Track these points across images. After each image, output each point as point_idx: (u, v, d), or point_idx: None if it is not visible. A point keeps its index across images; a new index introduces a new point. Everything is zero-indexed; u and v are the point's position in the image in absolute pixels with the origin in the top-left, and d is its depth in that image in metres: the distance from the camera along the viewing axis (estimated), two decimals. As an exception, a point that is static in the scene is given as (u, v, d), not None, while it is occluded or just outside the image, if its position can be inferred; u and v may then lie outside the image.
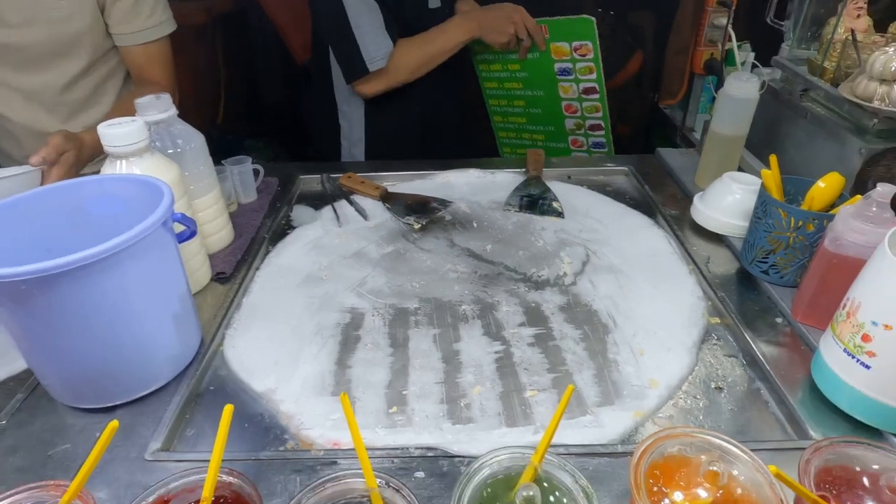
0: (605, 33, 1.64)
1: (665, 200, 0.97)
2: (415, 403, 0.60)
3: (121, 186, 0.63)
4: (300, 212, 0.97)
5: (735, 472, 0.45)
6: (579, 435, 0.56)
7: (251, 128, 2.37)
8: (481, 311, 0.73)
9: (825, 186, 0.69)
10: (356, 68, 1.12)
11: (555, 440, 0.53)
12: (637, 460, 0.45)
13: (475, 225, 0.92)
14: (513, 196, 0.98)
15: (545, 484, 0.44)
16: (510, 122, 1.42)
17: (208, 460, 0.42)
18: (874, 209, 0.58)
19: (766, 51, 1.06)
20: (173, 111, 0.74)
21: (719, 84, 1.03)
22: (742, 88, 0.89)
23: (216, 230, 0.82)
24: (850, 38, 0.85)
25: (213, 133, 1.20)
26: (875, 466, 0.43)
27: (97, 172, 0.67)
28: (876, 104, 0.75)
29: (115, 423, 0.44)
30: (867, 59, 0.77)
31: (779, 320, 0.69)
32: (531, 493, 0.41)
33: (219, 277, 0.79)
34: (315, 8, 1.20)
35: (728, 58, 1.15)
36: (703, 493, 0.43)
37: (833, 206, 0.70)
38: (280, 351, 0.67)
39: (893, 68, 0.72)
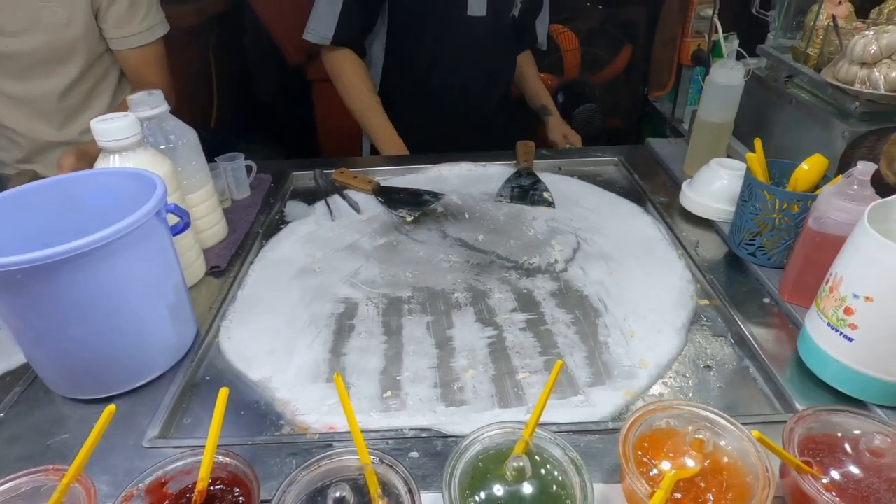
0: (595, 28, 1.66)
1: (654, 189, 0.98)
2: (409, 388, 0.61)
3: (114, 180, 0.63)
4: (293, 207, 0.98)
5: (722, 443, 0.46)
6: (570, 414, 0.57)
7: (245, 129, 2.38)
8: (474, 299, 0.74)
9: (809, 168, 0.71)
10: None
11: (547, 419, 0.55)
12: (626, 432, 0.46)
13: (467, 216, 0.93)
14: (504, 187, 0.99)
15: (536, 457, 0.45)
16: None
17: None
18: (855, 187, 0.60)
19: (753, 41, 1.08)
20: (165, 107, 0.75)
21: (706, 74, 1.05)
22: (727, 76, 0.90)
23: (210, 225, 0.83)
24: (832, 24, 0.86)
25: (208, 135, 1.20)
26: (856, 432, 0.45)
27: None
28: (857, 87, 0.76)
29: (112, 407, 0.45)
30: (848, 44, 0.78)
31: (766, 300, 0.71)
32: (521, 464, 0.42)
33: (213, 272, 0.79)
34: None
35: (715, 49, 1.17)
36: (690, 462, 0.44)
37: (817, 187, 0.71)
38: (275, 341, 0.68)
39: (873, 51, 0.73)
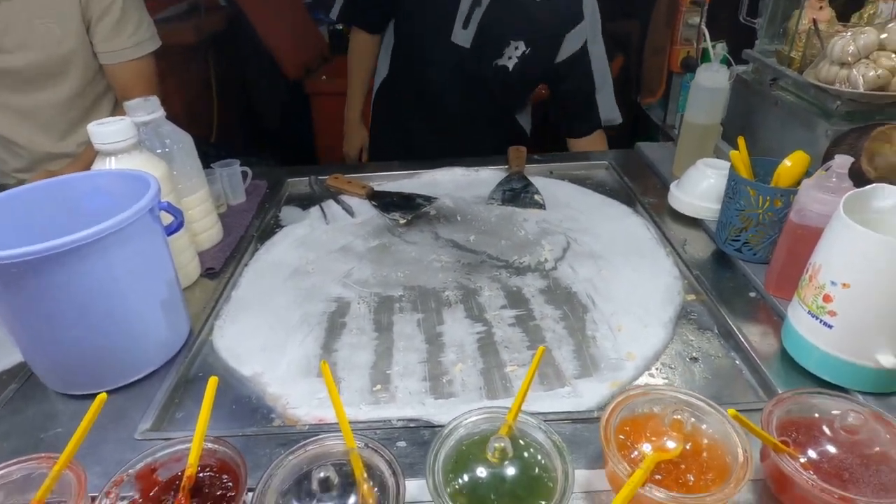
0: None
1: (644, 190, 0.99)
2: (398, 381, 0.62)
3: (110, 181, 0.65)
4: (288, 212, 0.99)
5: (703, 426, 0.47)
6: (557, 404, 0.58)
7: (245, 144, 2.41)
8: (464, 297, 0.75)
9: (791, 164, 0.72)
10: None
11: (533, 409, 0.55)
12: (607, 416, 0.47)
13: (459, 218, 0.95)
14: (496, 190, 1.01)
15: (520, 441, 0.46)
16: None
17: (195, 432, 0.44)
18: (834, 180, 0.61)
19: (742, 48, 1.10)
20: (161, 112, 0.77)
21: (694, 79, 1.06)
22: (712, 78, 0.92)
23: (205, 228, 0.84)
24: (813, 27, 0.88)
25: (209, 151, 1.22)
26: (833, 412, 0.45)
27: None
28: (838, 87, 0.78)
29: (103, 396, 0.46)
30: (828, 45, 0.80)
31: (752, 295, 0.72)
32: (503, 445, 0.43)
33: (208, 273, 0.81)
34: None
35: (704, 56, 1.19)
36: (671, 444, 0.45)
37: (799, 183, 0.72)
38: (267, 338, 0.69)
39: (851, 51, 0.75)
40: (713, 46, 1.09)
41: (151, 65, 1.13)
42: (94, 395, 0.60)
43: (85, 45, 1.05)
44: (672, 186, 0.91)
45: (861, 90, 0.75)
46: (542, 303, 0.73)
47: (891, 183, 0.56)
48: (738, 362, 0.63)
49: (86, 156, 1.09)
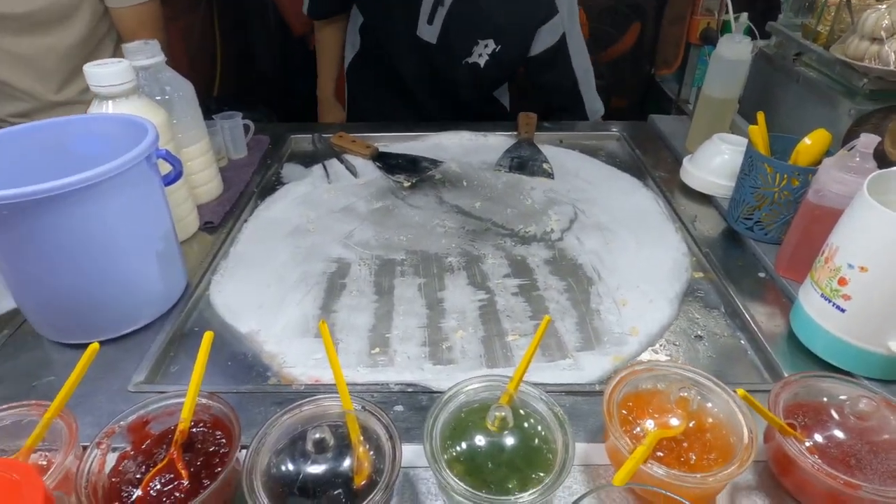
0: (605, 5, 1.63)
1: (655, 164, 0.97)
2: (397, 345, 0.61)
3: (106, 126, 0.63)
4: (290, 169, 0.97)
5: (708, 405, 0.46)
6: (558, 376, 0.57)
7: (248, 99, 2.36)
8: (467, 263, 0.74)
9: (811, 143, 0.69)
10: None
11: (534, 380, 0.54)
12: (610, 391, 0.46)
13: (465, 184, 0.92)
14: (503, 157, 0.98)
15: (521, 411, 0.45)
16: None
17: (188, 385, 0.43)
18: (857, 159, 0.59)
19: (764, 20, 1.06)
20: (161, 57, 0.74)
21: (714, 50, 1.03)
22: (734, 50, 0.88)
23: (205, 181, 0.82)
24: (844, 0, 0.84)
25: (210, 104, 1.19)
26: (842, 397, 0.44)
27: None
28: (866, 63, 0.75)
29: (95, 345, 0.45)
30: (859, 19, 0.76)
31: (762, 275, 0.70)
32: (503, 414, 0.42)
33: (207, 227, 0.79)
34: None
35: (725, 27, 1.15)
36: (674, 421, 0.44)
37: (819, 162, 0.70)
38: (265, 296, 0.68)
39: (885, 25, 0.72)
40: (735, 18, 1.05)
41: (159, 10, 1.09)
42: (87, 345, 0.60)
43: None
44: (685, 161, 0.89)
45: (892, 67, 0.72)
46: (546, 273, 0.72)
47: (917, 165, 0.54)
48: (743, 342, 0.62)
49: None
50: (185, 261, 0.69)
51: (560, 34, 1.08)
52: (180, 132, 0.76)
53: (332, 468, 0.40)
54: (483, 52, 1.06)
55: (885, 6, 0.73)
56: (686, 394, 0.44)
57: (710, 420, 0.45)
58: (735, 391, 0.42)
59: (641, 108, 1.70)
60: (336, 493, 0.39)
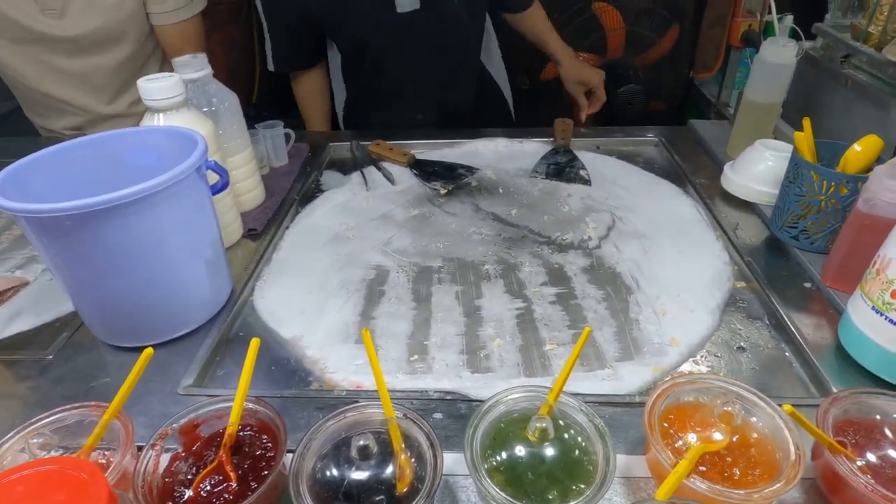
0: (642, 7, 1.61)
1: (695, 170, 0.95)
2: (435, 353, 0.62)
3: (158, 137, 0.65)
4: (329, 176, 0.99)
5: (752, 419, 0.45)
6: (597, 386, 0.57)
7: (286, 106, 2.40)
8: (504, 271, 0.74)
9: (861, 150, 0.67)
10: None
11: (572, 390, 0.54)
12: (652, 403, 0.45)
13: (501, 191, 0.93)
14: (540, 164, 0.98)
15: (560, 422, 0.45)
16: None
17: (236, 390, 0.45)
18: (911, 167, 0.57)
19: (809, 23, 1.03)
20: (209, 70, 0.77)
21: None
22: (778, 53, 0.86)
23: (248, 189, 0.85)
24: (897, -1, 0.81)
25: (250, 111, 1.22)
26: (895, 415, 0.43)
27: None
28: (920, 66, 0.72)
29: (149, 350, 0.47)
30: (913, 20, 0.74)
31: (807, 285, 0.68)
32: (544, 425, 0.42)
33: (250, 234, 0.81)
34: None
35: (768, 29, 1.12)
36: (717, 435, 0.43)
37: (870, 170, 0.68)
38: (307, 302, 0.69)
39: (940, 27, 0.69)
40: (779, 19, 1.03)
41: (200, 24, 1.14)
42: (140, 348, 0.62)
43: (140, 8, 1.06)
44: (726, 167, 0.87)
45: (947, 71, 0.69)
46: (584, 282, 0.71)
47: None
48: (787, 354, 0.61)
49: None
50: (231, 267, 0.71)
51: None
52: (226, 142, 0.79)
53: (375, 475, 0.41)
54: None
55: (940, 7, 0.70)
56: (730, 408, 0.43)
57: (755, 435, 0.44)
58: (781, 406, 0.41)
59: (679, 112, 1.67)
60: (379, 499, 0.40)
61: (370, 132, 1.09)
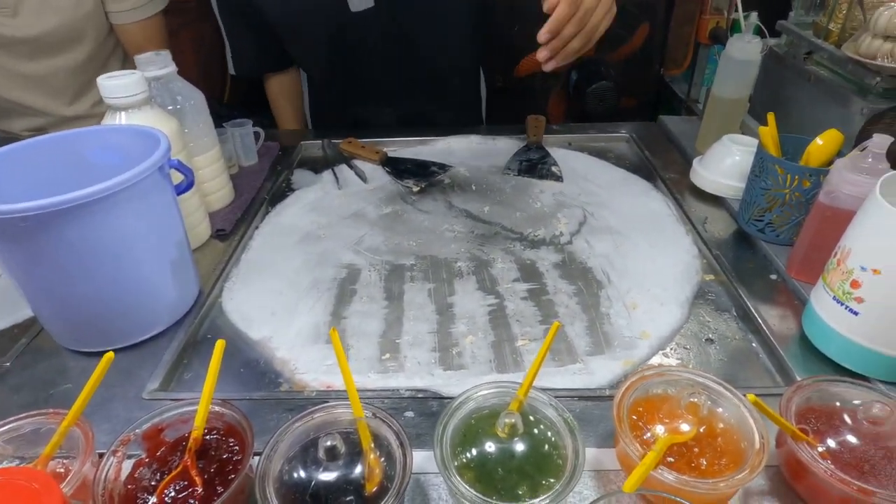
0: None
1: (665, 165, 0.96)
2: (407, 351, 0.61)
3: (119, 136, 0.64)
4: (300, 175, 0.98)
5: (719, 410, 0.46)
6: (568, 381, 0.57)
7: (260, 105, 2.37)
8: (476, 268, 0.74)
9: (823, 143, 0.69)
10: None
11: (544, 385, 0.54)
12: (621, 396, 0.46)
13: (474, 188, 0.93)
14: (512, 160, 0.98)
15: (530, 417, 0.45)
16: None
17: (201, 392, 0.44)
18: (870, 160, 0.58)
19: (774, 20, 1.05)
20: (172, 68, 0.75)
21: (724, 50, 1.02)
22: (743, 50, 0.88)
23: (216, 189, 0.83)
24: (856, -2, 0.83)
25: (222, 110, 1.21)
26: (855, 402, 0.44)
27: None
28: (879, 62, 0.74)
29: (110, 354, 0.46)
30: (871, 17, 0.76)
31: (773, 277, 0.70)
32: (513, 421, 0.42)
33: (218, 234, 0.80)
34: None
35: (734, 26, 1.14)
36: (685, 426, 0.44)
37: (831, 163, 0.69)
38: (277, 303, 0.68)
39: (896, 23, 0.71)
40: (745, 17, 1.05)
41: (162, 22, 1.11)
42: (102, 353, 0.60)
43: (98, 7, 1.03)
44: (695, 162, 0.88)
45: (904, 66, 0.71)
46: (556, 277, 0.72)
47: (931, 166, 0.53)
48: (754, 345, 0.62)
49: None
50: (198, 268, 0.70)
51: None
52: (192, 141, 0.77)
53: (343, 475, 0.41)
54: None
55: (896, 4, 0.72)
56: (696, 399, 0.44)
57: (721, 425, 0.44)
58: (746, 396, 0.42)
59: (651, 109, 1.68)
60: (348, 499, 0.40)
61: (341, 131, 1.07)
